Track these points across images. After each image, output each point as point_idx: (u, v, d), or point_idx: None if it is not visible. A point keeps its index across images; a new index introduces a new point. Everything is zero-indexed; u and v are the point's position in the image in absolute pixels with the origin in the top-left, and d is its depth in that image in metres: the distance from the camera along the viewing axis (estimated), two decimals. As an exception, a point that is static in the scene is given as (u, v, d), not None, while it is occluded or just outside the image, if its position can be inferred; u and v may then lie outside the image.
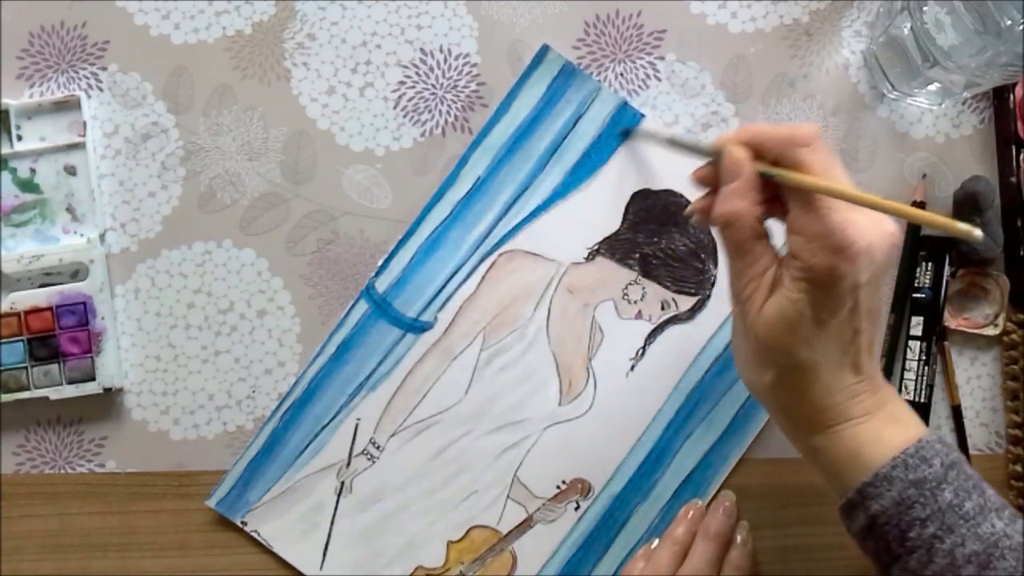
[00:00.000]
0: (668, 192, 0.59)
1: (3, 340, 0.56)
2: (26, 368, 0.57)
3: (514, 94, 0.59)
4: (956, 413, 0.61)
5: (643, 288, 0.59)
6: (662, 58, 0.60)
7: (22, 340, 0.57)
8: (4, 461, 0.58)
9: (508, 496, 0.58)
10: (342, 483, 0.58)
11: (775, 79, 0.60)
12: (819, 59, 0.61)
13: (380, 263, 0.58)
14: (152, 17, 0.58)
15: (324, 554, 0.58)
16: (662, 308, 0.59)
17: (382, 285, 0.58)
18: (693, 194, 0.58)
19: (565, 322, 0.59)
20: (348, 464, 0.58)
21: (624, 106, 0.59)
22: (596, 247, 0.59)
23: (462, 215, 0.59)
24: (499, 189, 0.59)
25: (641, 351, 0.59)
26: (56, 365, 0.57)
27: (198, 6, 0.59)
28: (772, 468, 0.60)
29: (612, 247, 0.59)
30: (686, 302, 0.59)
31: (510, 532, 0.58)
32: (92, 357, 0.57)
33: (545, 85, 0.59)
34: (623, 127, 0.58)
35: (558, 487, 0.59)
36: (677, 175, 0.59)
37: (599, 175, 0.59)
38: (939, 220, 0.41)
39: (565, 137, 0.59)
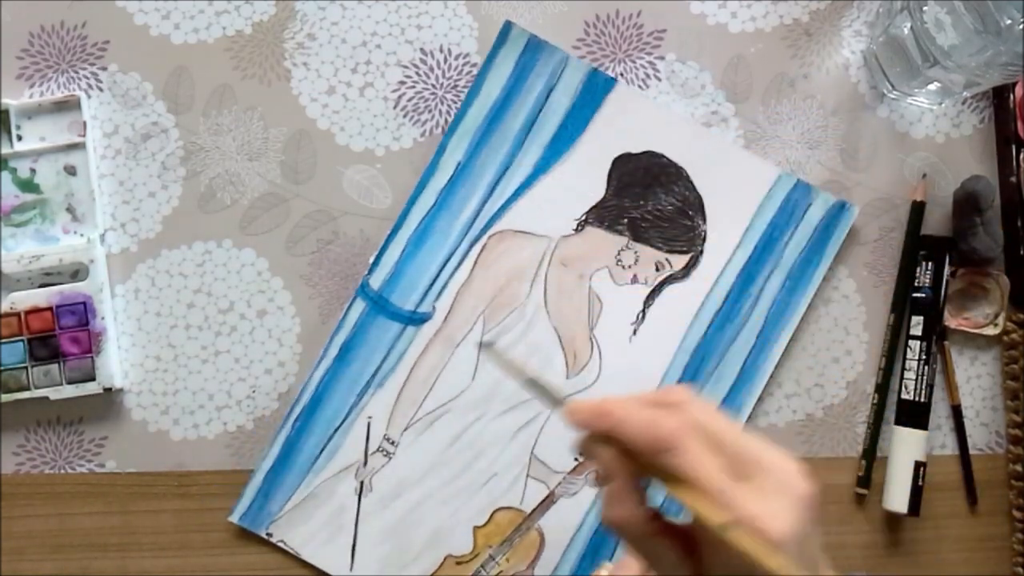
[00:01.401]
0: (649, 154, 0.59)
1: (3, 340, 0.56)
2: (26, 368, 0.57)
3: (483, 75, 0.59)
4: (956, 413, 0.61)
5: (635, 252, 0.59)
6: (662, 58, 0.60)
7: (22, 340, 0.57)
8: (4, 461, 0.58)
9: (528, 475, 0.58)
10: (361, 483, 0.58)
11: (775, 79, 0.60)
12: (819, 59, 0.61)
13: (371, 260, 0.58)
14: (152, 17, 0.58)
15: (352, 555, 0.58)
16: (656, 269, 0.59)
17: (376, 282, 0.58)
18: (675, 153, 0.59)
19: (562, 296, 0.59)
20: (365, 463, 0.58)
21: (594, 72, 0.59)
22: (584, 217, 0.59)
23: (447, 202, 0.59)
24: (480, 172, 0.59)
25: (641, 314, 0.59)
26: (56, 365, 0.57)
27: (198, 6, 0.59)
28: (772, 468, 0.60)
29: (600, 215, 0.59)
30: (680, 260, 0.59)
31: (534, 510, 0.58)
32: (92, 357, 0.57)
33: (513, 62, 0.58)
34: (483, 340, 0.58)
35: (576, 459, 0.58)
36: (656, 136, 0.59)
37: (578, 145, 0.59)
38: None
39: (539, 111, 0.59)
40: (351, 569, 0.58)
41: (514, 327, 0.59)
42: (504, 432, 0.58)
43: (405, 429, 0.58)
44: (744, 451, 0.38)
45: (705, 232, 0.59)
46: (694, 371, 0.59)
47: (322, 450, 0.58)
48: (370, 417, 0.58)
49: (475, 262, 0.59)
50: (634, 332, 0.59)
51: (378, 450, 0.58)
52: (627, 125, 0.59)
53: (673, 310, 0.59)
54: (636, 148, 0.59)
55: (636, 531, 0.39)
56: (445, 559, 0.58)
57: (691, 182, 0.59)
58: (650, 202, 0.59)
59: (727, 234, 0.59)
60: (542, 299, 0.59)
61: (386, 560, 0.58)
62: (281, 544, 0.58)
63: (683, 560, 0.39)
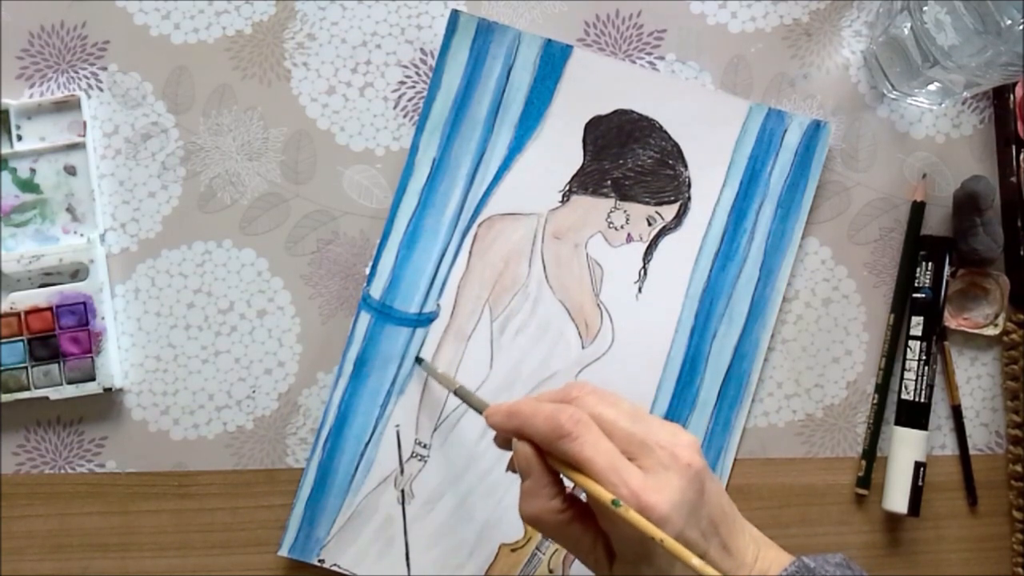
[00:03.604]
0: (619, 112, 0.59)
1: (3, 340, 0.56)
2: (26, 368, 0.57)
3: (440, 67, 0.58)
4: (956, 413, 0.61)
5: (625, 211, 0.59)
6: (662, 58, 0.60)
7: (22, 340, 0.57)
8: (4, 461, 0.58)
9: None
10: (402, 491, 0.58)
11: (775, 79, 0.60)
12: (819, 59, 0.61)
13: (367, 271, 0.58)
14: (152, 17, 0.58)
15: (408, 564, 0.58)
16: (648, 224, 0.59)
17: (376, 291, 0.58)
18: (643, 107, 0.59)
19: (562, 268, 0.59)
20: (402, 471, 0.58)
21: (550, 43, 0.59)
22: (567, 187, 0.59)
23: (430, 200, 0.59)
24: (457, 164, 0.59)
25: (643, 272, 0.59)
26: (56, 365, 0.57)
27: (198, 6, 0.59)
28: (772, 468, 0.60)
29: (583, 182, 0.59)
30: (669, 211, 0.59)
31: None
32: (92, 357, 0.57)
33: (467, 49, 0.58)
34: (417, 355, 0.58)
35: None
36: (622, 93, 0.59)
37: (547, 118, 0.59)
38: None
39: (503, 92, 0.59)
40: None
41: (521, 308, 0.59)
42: None
43: (434, 430, 0.58)
44: (633, 433, 0.43)
45: (689, 178, 0.59)
46: (705, 316, 0.59)
47: (357, 467, 0.58)
48: (398, 425, 0.58)
49: (470, 253, 0.59)
50: (639, 290, 0.59)
51: (412, 456, 0.58)
52: (591, 88, 0.59)
53: (673, 261, 0.59)
54: (605, 109, 0.59)
55: (550, 522, 0.44)
56: (499, 549, 0.58)
57: (665, 132, 0.59)
58: (629, 159, 0.59)
59: (711, 176, 0.59)
60: (543, 276, 0.59)
61: (441, 562, 0.58)
62: (335, 568, 0.57)
63: (596, 541, 0.44)
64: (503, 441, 0.47)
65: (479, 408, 0.48)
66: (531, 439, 0.44)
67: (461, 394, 0.54)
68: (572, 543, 0.44)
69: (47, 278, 0.58)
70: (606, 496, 0.40)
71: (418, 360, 0.58)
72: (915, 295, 0.60)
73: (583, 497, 0.44)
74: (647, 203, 0.59)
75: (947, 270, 0.59)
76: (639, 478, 0.41)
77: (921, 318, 0.59)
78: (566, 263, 0.59)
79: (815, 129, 0.59)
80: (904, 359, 0.60)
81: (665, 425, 0.44)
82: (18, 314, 0.56)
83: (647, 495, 0.40)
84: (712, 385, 0.59)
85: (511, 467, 0.46)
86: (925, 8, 0.54)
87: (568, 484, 0.44)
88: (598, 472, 0.41)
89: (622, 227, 0.59)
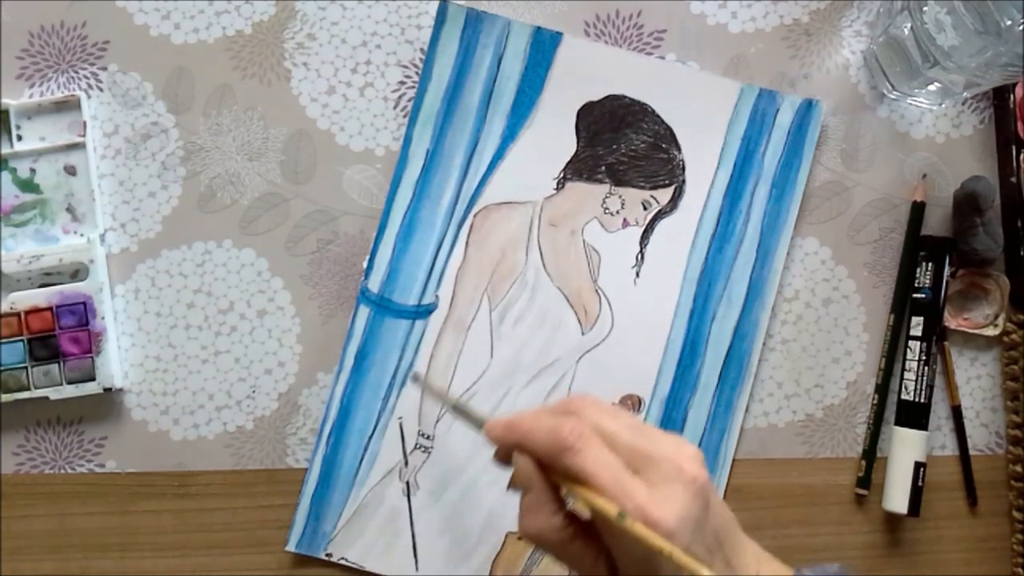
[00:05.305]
0: (611, 97, 0.59)
1: (3, 340, 0.56)
2: (26, 368, 0.57)
3: (431, 58, 0.59)
4: (956, 413, 0.61)
5: (620, 196, 0.59)
6: (662, 58, 0.60)
7: (22, 340, 0.57)
8: (4, 461, 0.58)
9: None
10: (407, 483, 0.58)
11: (775, 79, 0.60)
12: (819, 59, 0.61)
13: (364, 265, 0.58)
14: (152, 17, 0.58)
15: (415, 556, 0.58)
16: (644, 208, 0.59)
17: (375, 284, 0.58)
18: (635, 91, 0.59)
19: (559, 255, 0.59)
20: (406, 463, 0.58)
21: (539, 30, 0.59)
22: (562, 174, 0.59)
23: (425, 191, 0.59)
24: (451, 155, 0.59)
25: (640, 256, 0.59)
26: (56, 365, 0.57)
27: (198, 6, 0.59)
28: (772, 468, 0.60)
29: (577, 168, 0.59)
30: (664, 195, 0.59)
31: None
32: (92, 357, 0.57)
33: (457, 40, 0.59)
34: (413, 372, 0.58)
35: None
36: (613, 78, 0.59)
37: (539, 106, 0.59)
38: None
39: (494, 82, 0.59)
40: (417, 569, 0.58)
41: (519, 297, 0.59)
42: (534, 401, 0.59)
43: (437, 421, 0.58)
44: (636, 447, 0.41)
45: (683, 161, 0.59)
46: (703, 298, 0.59)
47: (361, 461, 0.58)
48: (400, 417, 0.58)
49: (466, 243, 0.59)
50: (637, 275, 0.59)
51: (416, 448, 0.58)
52: (583, 74, 0.59)
53: (670, 244, 0.59)
54: (597, 95, 0.59)
55: (552, 539, 0.42)
56: (506, 537, 0.58)
57: (658, 116, 0.59)
58: (623, 144, 0.59)
59: (705, 158, 0.59)
60: (540, 263, 0.59)
61: (449, 552, 0.58)
62: (342, 562, 0.58)
63: (598, 558, 0.42)
64: (503, 455, 0.46)
65: (479, 423, 0.47)
66: (532, 453, 0.43)
67: (460, 409, 0.53)
68: (574, 561, 0.43)
69: (47, 278, 0.58)
70: (611, 510, 0.39)
71: (414, 377, 0.58)
72: (915, 295, 0.60)
73: (583, 513, 0.43)
74: (642, 187, 0.59)
75: (947, 270, 0.59)
76: (644, 492, 0.40)
77: (921, 318, 0.59)
78: (563, 250, 0.59)
79: (807, 108, 0.59)
80: (904, 359, 0.60)
81: (668, 437, 0.43)
82: (18, 314, 0.56)
83: (653, 509, 0.39)
84: (713, 367, 0.59)
85: (512, 484, 0.45)
86: (925, 8, 0.54)
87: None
88: (602, 486, 0.40)
89: (618, 212, 0.59)
